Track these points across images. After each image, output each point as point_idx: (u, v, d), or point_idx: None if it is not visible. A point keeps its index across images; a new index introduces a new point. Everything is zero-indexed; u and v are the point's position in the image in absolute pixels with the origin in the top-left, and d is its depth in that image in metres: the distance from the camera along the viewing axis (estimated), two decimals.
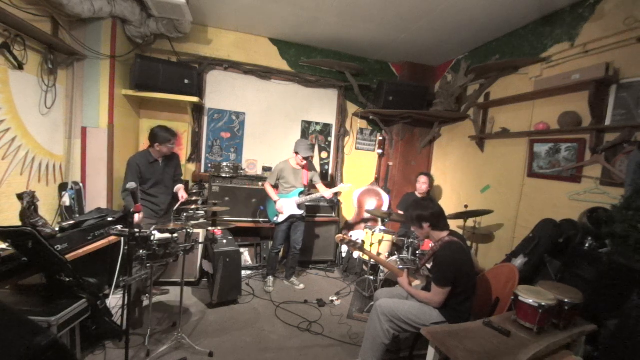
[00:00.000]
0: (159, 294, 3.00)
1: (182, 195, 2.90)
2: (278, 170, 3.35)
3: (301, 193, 3.33)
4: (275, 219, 3.33)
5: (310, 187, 3.53)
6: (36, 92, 2.51)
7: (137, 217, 2.51)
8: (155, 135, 2.73)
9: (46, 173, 2.67)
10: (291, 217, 3.32)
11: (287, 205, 3.27)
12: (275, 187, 3.38)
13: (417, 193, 3.76)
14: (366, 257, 3.12)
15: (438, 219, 2.04)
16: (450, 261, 1.89)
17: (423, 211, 2.05)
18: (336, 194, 3.81)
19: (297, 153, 3.27)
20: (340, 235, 2.56)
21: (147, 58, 3.39)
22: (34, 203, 2.01)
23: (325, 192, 3.34)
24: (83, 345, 2.01)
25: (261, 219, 3.71)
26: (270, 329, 2.63)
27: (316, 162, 4.50)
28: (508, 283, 2.08)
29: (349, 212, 4.58)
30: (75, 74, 2.92)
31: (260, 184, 3.72)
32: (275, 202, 3.28)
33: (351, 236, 2.93)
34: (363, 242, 2.63)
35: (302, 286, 3.45)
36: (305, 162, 3.30)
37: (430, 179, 3.72)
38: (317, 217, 4.04)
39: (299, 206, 3.32)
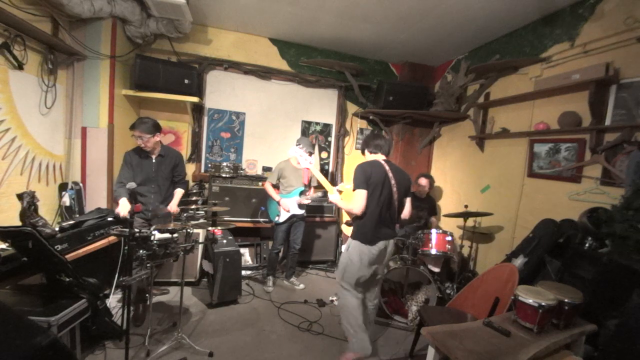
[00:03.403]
0: (159, 294, 3.00)
1: (171, 207, 2.75)
2: (279, 170, 3.35)
3: (302, 192, 3.32)
4: (276, 219, 3.32)
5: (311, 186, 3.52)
6: (36, 92, 2.51)
7: (122, 211, 2.42)
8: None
9: (46, 173, 2.67)
10: (292, 217, 3.31)
11: (290, 205, 3.27)
12: (276, 187, 3.37)
13: (416, 194, 3.76)
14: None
15: (367, 145, 2.42)
16: (359, 170, 2.22)
17: (363, 142, 2.48)
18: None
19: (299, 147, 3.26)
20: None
21: (147, 58, 3.38)
22: (34, 203, 2.01)
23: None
24: (83, 345, 2.01)
25: (262, 219, 3.71)
26: (270, 329, 2.63)
27: (316, 162, 4.50)
28: (508, 283, 2.08)
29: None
30: (75, 74, 2.92)
31: (260, 183, 3.71)
32: (277, 201, 3.27)
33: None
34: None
35: (302, 286, 3.45)
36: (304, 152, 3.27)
37: (431, 180, 3.74)
38: (317, 217, 4.04)
39: (300, 206, 3.32)
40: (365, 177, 2.17)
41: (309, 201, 3.33)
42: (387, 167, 2.25)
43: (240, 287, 3.02)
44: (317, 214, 4.06)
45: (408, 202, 2.39)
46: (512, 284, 2.02)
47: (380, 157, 2.34)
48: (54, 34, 2.60)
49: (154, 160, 2.73)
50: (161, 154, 2.76)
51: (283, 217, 3.28)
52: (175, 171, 2.85)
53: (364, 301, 2.31)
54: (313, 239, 4.01)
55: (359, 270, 2.19)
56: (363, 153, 2.46)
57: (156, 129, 2.64)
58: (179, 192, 2.86)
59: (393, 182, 2.22)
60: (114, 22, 3.04)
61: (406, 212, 2.39)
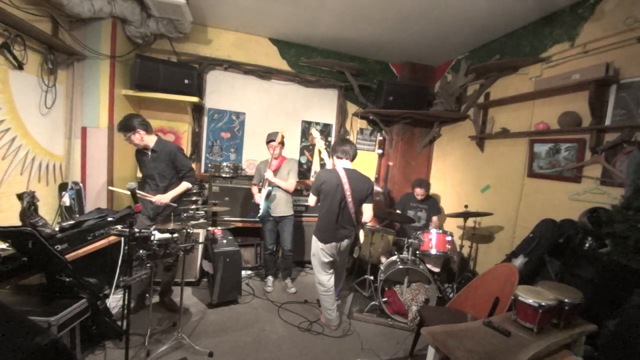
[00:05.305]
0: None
1: (159, 198, 2.55)
2: (259, 170, 3.34)
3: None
4: (269, 210, 3.24)
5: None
6: (36, 92, 2.51)
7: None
8: None
9: (46, 173, 2.67)
10: (271, 196, 3.22)
11: (264, 193, 3.18)
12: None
13: (414, 196, 3.76)
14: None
15: (334, 151, 2.68)
16: (316, 177, 2.65)
17: (332, 148, 2.75)
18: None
19: (267, 143, 3.29)
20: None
21: (147, 58, 3.38)
22: (34, 203, 2.01)
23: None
24: (83, 345, 2.01)
25: (248, 219, 3.70)
26: (270, 329, 2.63)
27: (316, 162, 4.50)
28: (508, 283, 2.08)
29: None
30: (75, 74, 2.92)
31: (260, 184, 3.70)
32: (263, 198, 3.19)
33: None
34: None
35: (293, 290, 3.34)
36: (274, 143, 3.18)
37: (426, 187, 3.67)
38: (315, 217, 4.03)
39: (269, 182, 3.16)
40: (317, 185, 2.59)
41: (270, 169, 3.16)
42: (344, 179, 2.51)
43: (240, 287, 3.02)
44: (313, 214, 4.04)
45: (368, 208, 2.62)
46: (512, 284, 2.02)
47: (344, 164, 2.61)
48: (54, 34, 2.60)
49: (149, 157, 2.66)
50: (154, 149, 2.64)
51: (261, 203, 3.17)
52: (175, 167, 2.69)
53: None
54: (310, 239, 3.97)
55: (319, 260, 2.67)
56: (331, 157, 2.73)
57: (130, 127, 2.51)
58: (180, 185, 2.69)
59: (347, 187, 2.49)
60: (114, 22, 3.04)
61: (366, 217, 2.63)
